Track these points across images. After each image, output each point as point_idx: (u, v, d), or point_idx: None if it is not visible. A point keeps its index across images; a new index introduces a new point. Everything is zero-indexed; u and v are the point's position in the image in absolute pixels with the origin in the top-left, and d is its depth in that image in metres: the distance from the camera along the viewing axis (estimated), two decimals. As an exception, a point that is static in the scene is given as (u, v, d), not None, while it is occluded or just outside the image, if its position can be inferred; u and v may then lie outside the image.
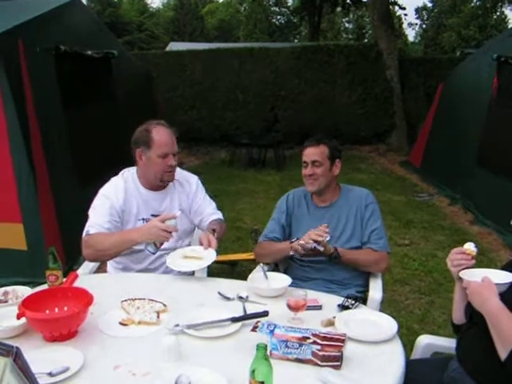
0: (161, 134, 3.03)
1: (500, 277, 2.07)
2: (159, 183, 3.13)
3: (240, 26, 45.85)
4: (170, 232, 2.74)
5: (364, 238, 3.11)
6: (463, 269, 2.18)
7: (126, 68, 8.29)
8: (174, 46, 18.07)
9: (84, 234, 2.94)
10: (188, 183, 3.28)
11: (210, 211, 3.28)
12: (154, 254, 2.85)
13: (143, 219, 3.08)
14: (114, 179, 3.17)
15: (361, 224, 3.12)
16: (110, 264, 3.23)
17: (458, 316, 2.28)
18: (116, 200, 3.04)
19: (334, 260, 2.97)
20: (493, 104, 7.45)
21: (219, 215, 3.31)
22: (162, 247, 2.84)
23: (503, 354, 1.83)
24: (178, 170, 3.23)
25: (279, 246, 3.12)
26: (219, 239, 3.04)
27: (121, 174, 3.21)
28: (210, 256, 2.81)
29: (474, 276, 2.10)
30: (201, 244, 2.89)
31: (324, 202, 3.21)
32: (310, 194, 3.24)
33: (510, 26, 32.55)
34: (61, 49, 5.65)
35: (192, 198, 3.25)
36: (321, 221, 3.05)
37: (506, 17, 38.35)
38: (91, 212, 3.03)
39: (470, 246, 2.23)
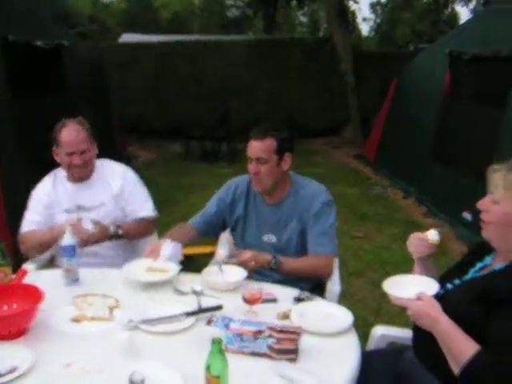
0: (67, 133, 3.09)
1: (425, 285, 2.05)
2: (73, 176, 3.20)
3: (194, 18, 45.42)
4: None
5: (310, 240, 2.85)
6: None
7: (77, 59, 8.13)
8: (127, 38, 17.72)
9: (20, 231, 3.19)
10: (112, 176, 3.28)
11: (133, 207, 3.28)
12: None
13: (67, 210, 3.18)
14: (45, 178, 3.32)
15: (307, 228, 2.87)
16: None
17: None
18: (42, 195, 3.22)
19: (274, 268, 2.71)
20: (445, 98, 7.57)
21: (144, 213, 3.28)
22: None
23: (456, 370, 1.82)
24: (107, 162, 3.34)
25: None
26: (128, 235, 3.15)
27: (54, 171, 3.32)
28: (174, 269, 2.67)
29: (400, 286, 2.07)
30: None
31: (272, 200, 2.96)
32: None
33: (461, 22, 33.19)
34: (9, 39, 5.49)
35: (118, 190, 3.25)
36: (269, 219, 2.96)
37: (457, 13, 39.07)
38: (26, 211, 3.23)
39: (432, 236, 2.18)
